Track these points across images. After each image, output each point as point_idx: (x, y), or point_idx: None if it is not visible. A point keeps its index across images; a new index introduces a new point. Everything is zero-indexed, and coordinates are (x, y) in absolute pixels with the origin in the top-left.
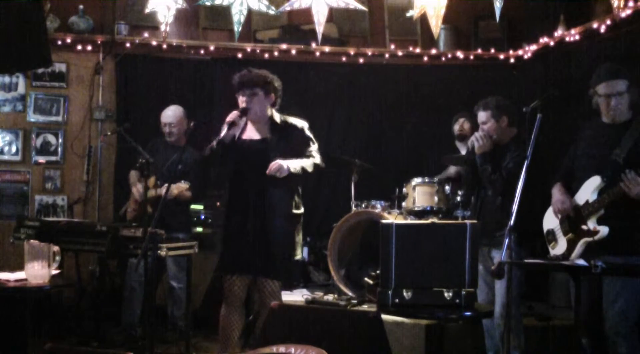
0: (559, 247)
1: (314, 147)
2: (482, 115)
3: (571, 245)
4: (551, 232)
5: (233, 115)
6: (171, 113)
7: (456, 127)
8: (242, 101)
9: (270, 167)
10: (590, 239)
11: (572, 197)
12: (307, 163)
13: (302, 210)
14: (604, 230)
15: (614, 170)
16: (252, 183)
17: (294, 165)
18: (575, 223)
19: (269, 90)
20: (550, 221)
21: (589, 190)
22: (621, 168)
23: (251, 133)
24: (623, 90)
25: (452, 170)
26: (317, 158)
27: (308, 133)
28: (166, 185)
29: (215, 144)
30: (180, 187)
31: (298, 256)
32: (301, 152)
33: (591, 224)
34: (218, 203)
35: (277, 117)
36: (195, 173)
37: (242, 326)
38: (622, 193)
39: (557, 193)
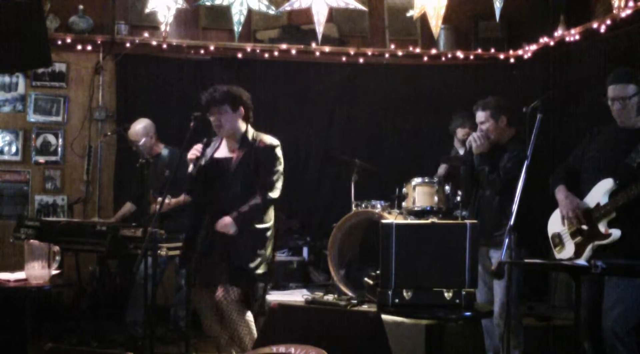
0: (566, 251)
1: (276, 171)
2: (480, 115)
3: (580, 249)
4: (557, 236)
5: (196, 151)
6: (132, 132)
7: (460, 133)
8: (212, 120)
9: (219, 224)
10: (601, 242)
11: (581, 199)
12: (256, 212)
13: (268, 224)
14: (615, 233)
15: (627, 173)
16: (212, 201)
17: (242, 220)
18: (585, 226)
19: (236, 104)
20: (556, 224)
21: (600, 193)
22: (635, 172)
23: (223, 151)
24: (627, 94)
25: (441, 169)
26: (273, 192)
27: (276, 153)
28: (159, 200)
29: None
30: (167, 203)
31: (259, 271)
32: (263, 172)
33: (602, 227)
34: None
35: (250, 134)
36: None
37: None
38: (635, 195)
39: (563, 196)
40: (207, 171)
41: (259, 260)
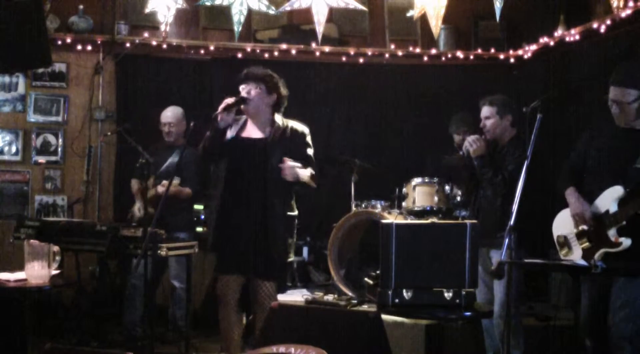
0: (574, 255)
1: (310, 155)
2: (486, 110)
3: (588, 255)
4: (564, 238)
5: (228, 100)
6: (170, 114)
7: (456, 138)
8: (243, 92)
9: (284, 165)
10: (610, 250)
11: (588, 202)
12: (307, 178)
13: (296, 213)
14: (626, 242)
15: (637, 179)
16: (251, 183)
17: (302, 176)
18: (593, 232)
19: (271, 88)
20: (563, 227)
21: (609, 199)
22: None
23: (251, 132)
24: (626, 100)
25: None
26: (312, 172)
27: (308, 139)
28: (165, 182)
29: (208, 132)
30: (174, 184)
31: (291, 258)
32: (299, 156)
33: (612, 235)
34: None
35: (280, 119)
36: (193, 172)
37: (242, 326)
38: None
39: (574, 199)
40: (238, 150)
41: (291, 249)
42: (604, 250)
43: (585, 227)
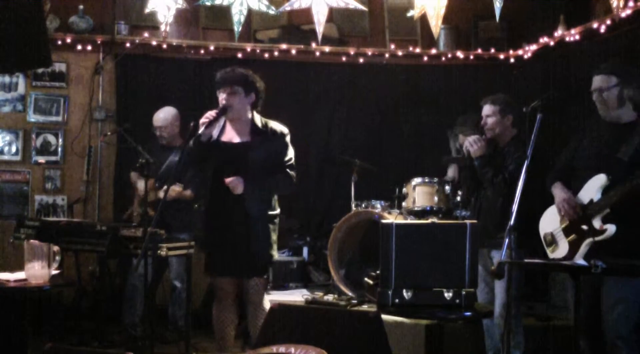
0: (560, 250)
1: (290, 157)
2: (488, 108)
3: (574, 247)
4: (550, 235)
5: (209, 115)
6: (162, 116)
7: (461, 139)
8: (222, 98)
9: (229, 181)
10: (596, 238)
11: (575, 196)
12: (272, 185)
13: (277, 211)
14: (611, 229)
15: (620, 168)
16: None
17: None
18: (578, 224)
19: (249, 89)
20: (549, 223)
21: (593, 189)
22: (627, 166)
23: (231, 135)
24: (605, 86)
25: (450, 173)
26: (289, 176)
27: (287, 140)
28: (165, 187)
29: (191, 143)
30: (175, 190)
31: (275, 257)
32: (279, 159)
33: (597, 223)
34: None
35: (259, 120)
36: (193, 173)
37: (236, 324)
38: (629, 191)
39: (560, 192)
40: (220, 154)
41: (274, 246)
42: (589, 240)
43: (570, 219)
